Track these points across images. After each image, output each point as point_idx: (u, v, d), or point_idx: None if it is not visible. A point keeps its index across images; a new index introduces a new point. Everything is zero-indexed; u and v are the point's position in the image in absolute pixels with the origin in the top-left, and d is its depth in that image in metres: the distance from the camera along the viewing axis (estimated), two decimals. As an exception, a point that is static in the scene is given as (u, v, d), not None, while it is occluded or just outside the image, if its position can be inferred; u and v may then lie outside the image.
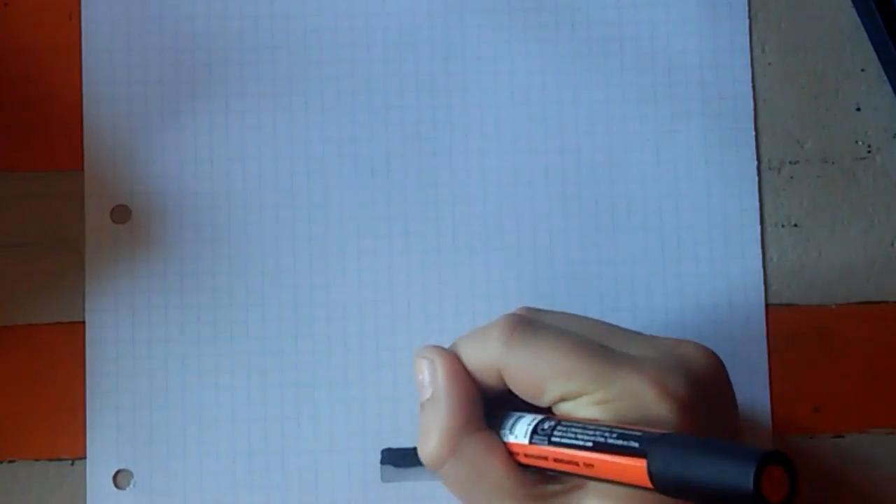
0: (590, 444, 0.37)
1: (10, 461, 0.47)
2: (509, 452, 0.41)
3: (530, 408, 0.41)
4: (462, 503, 0.41)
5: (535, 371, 0.40)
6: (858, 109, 0.50)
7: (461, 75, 0.49)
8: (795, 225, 0.49)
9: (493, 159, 0.49)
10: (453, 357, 0.43)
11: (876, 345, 0.49)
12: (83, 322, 0.47)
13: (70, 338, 0.47)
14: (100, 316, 0.47)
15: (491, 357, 0.41)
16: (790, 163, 0.49)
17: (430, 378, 0.42)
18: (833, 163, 0.50)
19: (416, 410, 0.43)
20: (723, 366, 0.41)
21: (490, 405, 0.42)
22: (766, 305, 0.49)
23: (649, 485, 0.35)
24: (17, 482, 0.47)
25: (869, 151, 0.50)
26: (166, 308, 0.48)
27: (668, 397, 0.38)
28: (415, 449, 0.43)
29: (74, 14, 0.49)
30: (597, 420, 0.38)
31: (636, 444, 0.36)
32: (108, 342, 0.47)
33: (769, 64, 0.50)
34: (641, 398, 0.38)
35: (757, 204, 0.49)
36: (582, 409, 0.39)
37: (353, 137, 0.49)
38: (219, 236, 0.48)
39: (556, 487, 0.40)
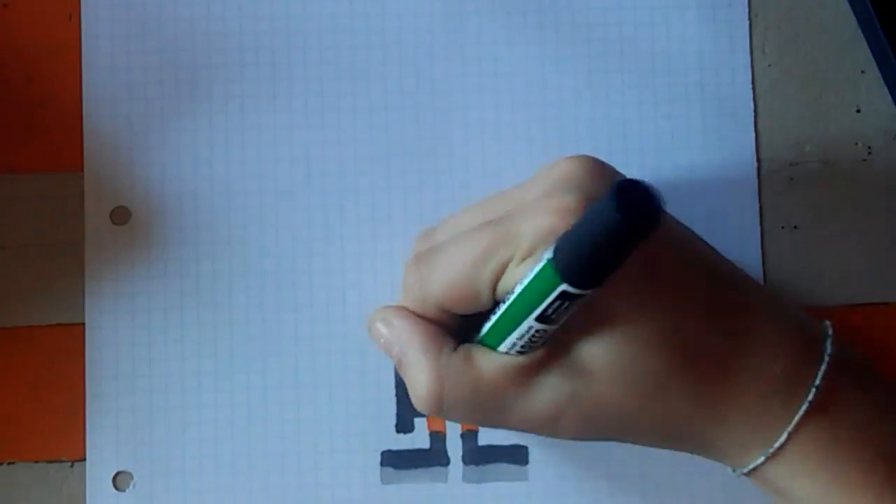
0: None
1: (9, 463, 0.47)
2: (490, 352, 0.41)
3: (490, 314, 0.42)
4: (480, 424, 0.41)
5: (456, 282, 0.41)
6: (858, 111, 0.50)
7: (461, 76, 0.49)
8: (795, 226, 0.49)
9: (494, 159, 0.49)
10: (401, 307, 0.44)
11: (876, 346, 0.49)
12: (83, 323, 0.47)
13: (70, 339, 0.47)
14: (100, 317, 0.47)
15: (422, 300, 0.43)
16: (790, 164, 0.49)
17: (390, 334, 0.43)
18: (833, 164, 0.50)
19: (417, 411, 0.43)
20: (594, 158, 0.42)
21: (456, 334, 0.43)
22: (766, 306, 0.49)
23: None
24: (17, 484, 0.47)
25: (869, 153, 0.50)
26: (166, 309, 0.48)
27: (564, 214, 0.39)
28: (415, 451, 0.43)
29: (74, 14, 0.49)
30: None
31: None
32: (107, 344, 0.47)
33: (769, 65, 0.50)
34: (546, 229, 0.39)
35: (757, 205, 0.49)
36: (518, 275, 0.40)
37: (352, 138, 0.49)
38: (219, 237, 0.48)
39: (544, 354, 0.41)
